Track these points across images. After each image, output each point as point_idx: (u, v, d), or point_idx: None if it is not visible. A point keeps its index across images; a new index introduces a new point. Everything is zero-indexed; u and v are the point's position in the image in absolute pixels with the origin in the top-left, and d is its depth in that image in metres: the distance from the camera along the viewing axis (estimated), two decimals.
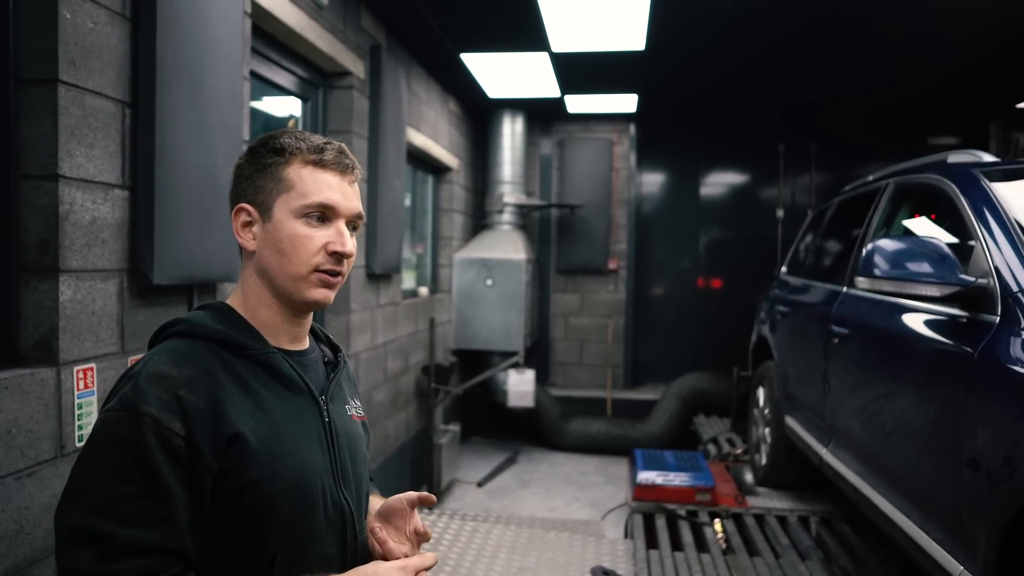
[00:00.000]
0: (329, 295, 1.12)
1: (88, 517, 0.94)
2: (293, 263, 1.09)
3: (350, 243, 1.11)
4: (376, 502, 1.27)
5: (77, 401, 1.86)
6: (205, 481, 0.99)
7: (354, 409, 1.25)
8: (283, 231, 1.08)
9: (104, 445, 0.98)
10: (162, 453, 0.96)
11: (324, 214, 1.10)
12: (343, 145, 1.15)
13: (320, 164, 1.10)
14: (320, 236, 1.09)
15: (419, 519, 1.20)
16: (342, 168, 1.12)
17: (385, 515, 1.21)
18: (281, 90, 3.52)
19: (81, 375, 1.87)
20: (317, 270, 1.09)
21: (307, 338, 1.21)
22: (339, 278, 1.12)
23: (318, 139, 1.13)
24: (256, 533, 1.03)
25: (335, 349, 1.28)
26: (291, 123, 3.76)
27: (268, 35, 3.18)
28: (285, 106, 3.75)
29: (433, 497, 1.18)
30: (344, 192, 1.11)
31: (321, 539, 1.09)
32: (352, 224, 1.13)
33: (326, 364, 1.23)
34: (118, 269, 2.02)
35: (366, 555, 1.17)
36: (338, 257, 1.10)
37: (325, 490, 1.10)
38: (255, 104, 3.23)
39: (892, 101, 6.09)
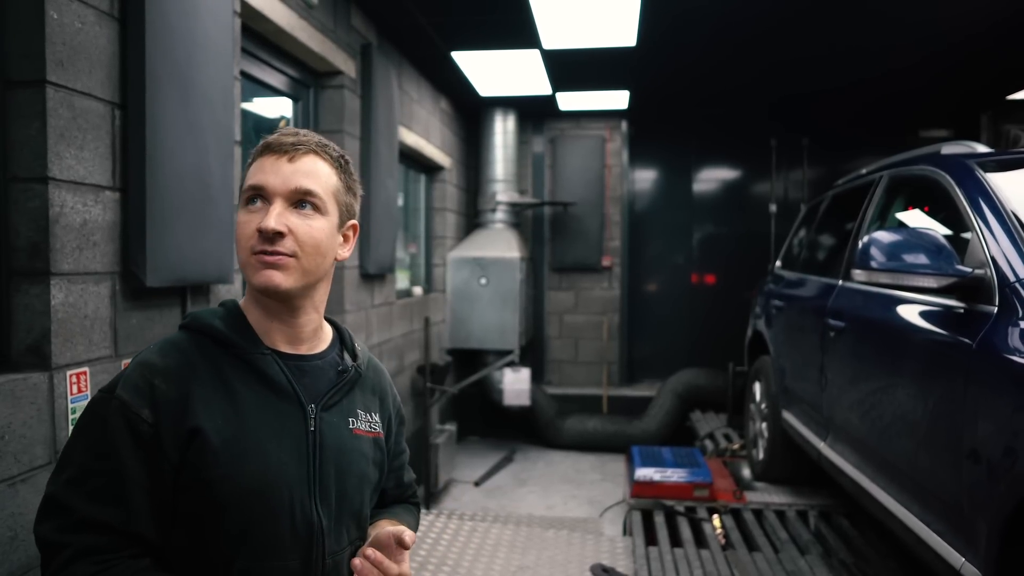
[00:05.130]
0: (272, 277, 1.04)
1: (61, 488, 0.99)
2: (238, 251, 1.08)
3: (272, 219, 1.03)
4: (384, 527, 1.20)
5: (71, 406, 1.83)
6: (167, 471, 1.00)
7: (362, 423, 1.18)
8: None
9: (86, 422, 1.03)
10: (128, 436, 0.99)
11: (262, 196, 1.06)
12: (303, 130, 1.12)
13: (263, 150, 1.09)
14: (255, 219, 1.05)
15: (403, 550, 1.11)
16: (283, 149, 1.08)
17: (377, 548, 1.13)
18: (272, 90, 3.50)
19: (74, 379, 1.85)
20: (254, 253, 1.05)
21: (316, 342, 1.17)
22: (279, 258, 1.04)
23: (287, 130, 1.11)
24: (213, 534, 1.02)
25: (356, 358, 1.22)
26: (282, 124, 3.74)
27: (258, 35, 3.15)
28: (276, 106, 3.73)
29: (408, 541, 1.08)
30: (278, 171, 1.06)
31: (282, 553, 1.04)
32: (300, 202, 1.07)
33: (340, 373, 1.17)
34: (110, 272, 1.99)
35: None
36: (266, 236, 1.03)
37: (293, 502, 1.05)
38: (246, 105, 3.21)
39: (883, 93, 6.10)
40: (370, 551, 1.09)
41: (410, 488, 1.40)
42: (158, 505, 1.00)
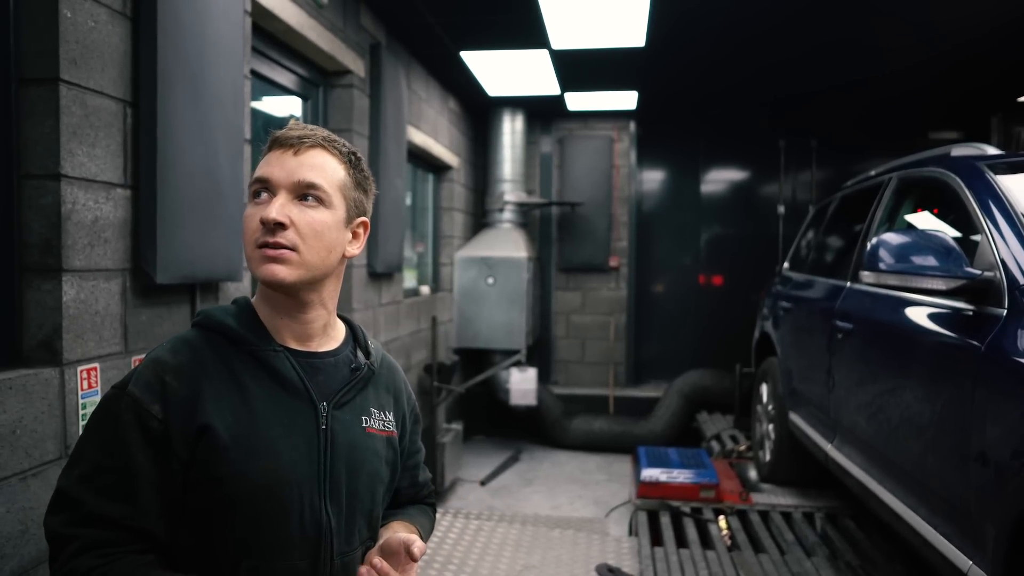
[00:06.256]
0: (275, 270, 1.04)
1: (73, 482, 1.00)
2: (245, 245, 1.08)
3: (274, 210, 1.03)
4: (397, 530, 1.19)
5: (81, 401, 1.85)
6: (176, 467, 1.00)
7: (375, 422, 1.17)
8: None
9: (98, 418, 1.04)
10: (137, 432, 0.99)
11: (267, 189, 1.07)
12: (312, 126, 1.12)
13: (271, 144, 1.10)
14: (261, 211, 1.05)
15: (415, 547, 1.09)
16: (289, 143, 1.08)
17: (385, 554, 1.11)
18: (282, 89, 3.52)
19: (85, 375, 1.86)
20: (258, 246, 1.04)
21: (327, 339, 1.16)
22: (282, 251, 1.04)
23: (296, 125, 1.11)
24: (220, 532, 1.02)
25: (369, 356, 1.21)
26: (292, 123, 3.75)
27: (268, 34, 3.17)
28: (286, 105, 3.75)
29: (416, 553, 1.06)
30: (283, 164, 1.07)
31: (290, 552, 1.04)
32: (304, 195, 1.06)
33: (353, 371, 1.17)
34: (121, 269, 2.01)
35: None
36: (268, 227, 1.03)
37: (303, 500, 1.05)
38: (256, 104, 3.22)
39: (891, 93, 6.07)
40: (376, 560, 1.08)
41: (425, 488, 1.39)
42: (167, 502, 1.00)
